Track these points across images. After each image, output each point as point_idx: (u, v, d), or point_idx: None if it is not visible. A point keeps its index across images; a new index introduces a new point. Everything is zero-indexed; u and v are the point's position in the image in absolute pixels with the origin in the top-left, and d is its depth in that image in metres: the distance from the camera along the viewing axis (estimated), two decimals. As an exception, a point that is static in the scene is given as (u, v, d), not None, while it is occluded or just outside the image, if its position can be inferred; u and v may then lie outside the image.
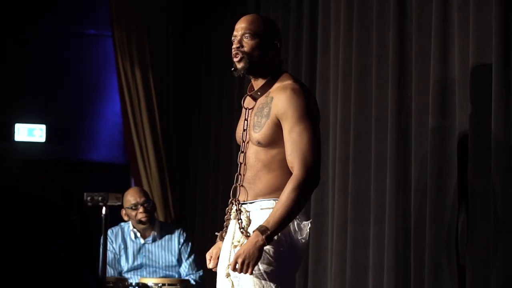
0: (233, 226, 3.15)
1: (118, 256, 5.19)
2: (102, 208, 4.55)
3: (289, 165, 3.03)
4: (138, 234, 5.20)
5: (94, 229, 5.05)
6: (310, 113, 3.03)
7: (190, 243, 5.25)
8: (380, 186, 3.97)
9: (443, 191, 3.53)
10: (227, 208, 3.17)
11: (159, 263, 5.19)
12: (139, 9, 6.61)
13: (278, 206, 2.98)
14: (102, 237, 4.44)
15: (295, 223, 3.04)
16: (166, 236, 5.23)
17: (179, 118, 6.88)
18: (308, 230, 3.08)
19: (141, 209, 5.14)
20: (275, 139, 3.05)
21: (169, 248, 5.21)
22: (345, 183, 4.24)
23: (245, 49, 3.09)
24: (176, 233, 5.23)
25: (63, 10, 7.72)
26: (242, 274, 3.00)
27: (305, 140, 3.00)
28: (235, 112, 5.94)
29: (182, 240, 5.22)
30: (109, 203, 4.56)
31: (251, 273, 2.97)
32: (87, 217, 5.60)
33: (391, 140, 3.89)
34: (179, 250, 5.20)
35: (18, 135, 7.75)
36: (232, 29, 3.15)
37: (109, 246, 5.17)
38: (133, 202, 5.16)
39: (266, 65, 3.12)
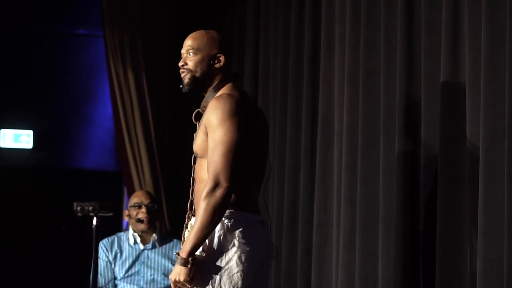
0: None
1: (113, 265, 5.26)
2: (93, 219, 4.57)
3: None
4: (138, 240, 5.31)
5: (84, 241, 5.06)
6: (231, 119, 3.21)
7: None
8: (388, 195, 3.97)
9: (454, 200, 3.54)
10: (185, 223, 3.41)
11: (158, 270, 5.25)
12: (132, 8, 6.61)
13: (194, 221, 3.21)
14: (93, 249, 4.46)
15: (221, 232, 3.23)
16: (167, 245, 5.36)
17: (174, 123, 6.88)
18: (239, 239, 3.24)
19: (143, 209, 5.30)
20: (206, 148, 3.27)
21: (169, 256, 5.31)
22: (352, 192, 4.25)
23: (189, 66, 3.39)
24: (178, 244, 5.32)
25: (51, 8, 7.72)
26: None
27: (218, 147, 3.20)
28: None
29: None
30: (100, 213, 4.58)
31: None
32: (77, 228, 5.61)
33: (400, 146, 3.90)
34: None
35: (3, 141, 7.75)
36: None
37: (103, 255, 5.24)
38: (137, 201, 5.33)
39: (213, 79, 3.39)
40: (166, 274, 5.26)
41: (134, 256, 5.28)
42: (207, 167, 3.24)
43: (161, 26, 6.75)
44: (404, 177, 3.88)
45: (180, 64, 3.40)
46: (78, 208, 4.58)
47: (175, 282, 3.24)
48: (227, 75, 3.40)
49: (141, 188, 6.52)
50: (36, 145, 7.76)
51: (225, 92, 3.34)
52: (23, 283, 7.48)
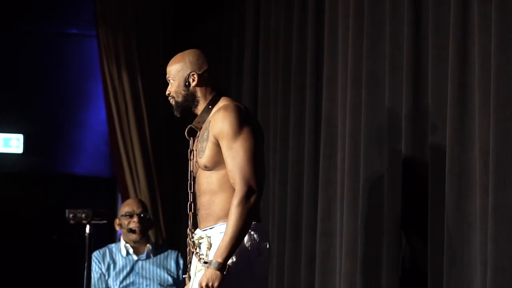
0: (195, 259, 3.55)
1: (106, 277, 5.25)
2: (85, 226, 4.57)
3: (231, 181, 3.39)
4: (131, 251, 5.31)
5: (77, 250, 5.06)
6: (245, 127, 3.41)
7: None
8: (393, 203, 3.97)
9: (463, 207, 3.54)
10: (187, 239, 3.58)
11: (154, 280, 5.26)
12: (127, 6, 6.61)
13: (227, 227, 3.35)
14: (86, 258, 4.46)
15: (255, 246, 3.42)
16: (162, 254, 5.36)
17: (171, 127, 6.88)
18: (264, 252, 3.45)
19: (135, 219, 5.27)
20: (218, 159, 3.45)
21: (165, 266, 5.31)
22: (355, 199, 4.25)
23: (171, 93, 3.63)
24: (173, 255, 5.37)
25: (41, 7, 7.72)
26: None
27: (241, 154, 3.38)
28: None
29: (182, 265, 5.30)
30: (93, 221, 4.58)
31: None
32: (69, 236, 5.62)
33: (406, 152, 3.90)
34: (178, 273, 5.28)
35: (-8, 145, 7.76)
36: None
37: (95, 267, 5.24)
38: (129, 210, 5.31)
39: (195, 97, 3.60)
40: (162, 284, 5.26)
41: (128, 267, 5.27)
42: (231, 173, 3.38)
43: (157, 25, 6.74)
44: (409, 184, 3.88)
45: (166, 93, 3.63)
46: (70, 215, 4.58)
47: (207, 287, 3.32)
48: (213, 89, 3.60)
49: (136, 195, 6.52)
50: (27, 150, 7.76)
51: (227, 103, 3.51)
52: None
